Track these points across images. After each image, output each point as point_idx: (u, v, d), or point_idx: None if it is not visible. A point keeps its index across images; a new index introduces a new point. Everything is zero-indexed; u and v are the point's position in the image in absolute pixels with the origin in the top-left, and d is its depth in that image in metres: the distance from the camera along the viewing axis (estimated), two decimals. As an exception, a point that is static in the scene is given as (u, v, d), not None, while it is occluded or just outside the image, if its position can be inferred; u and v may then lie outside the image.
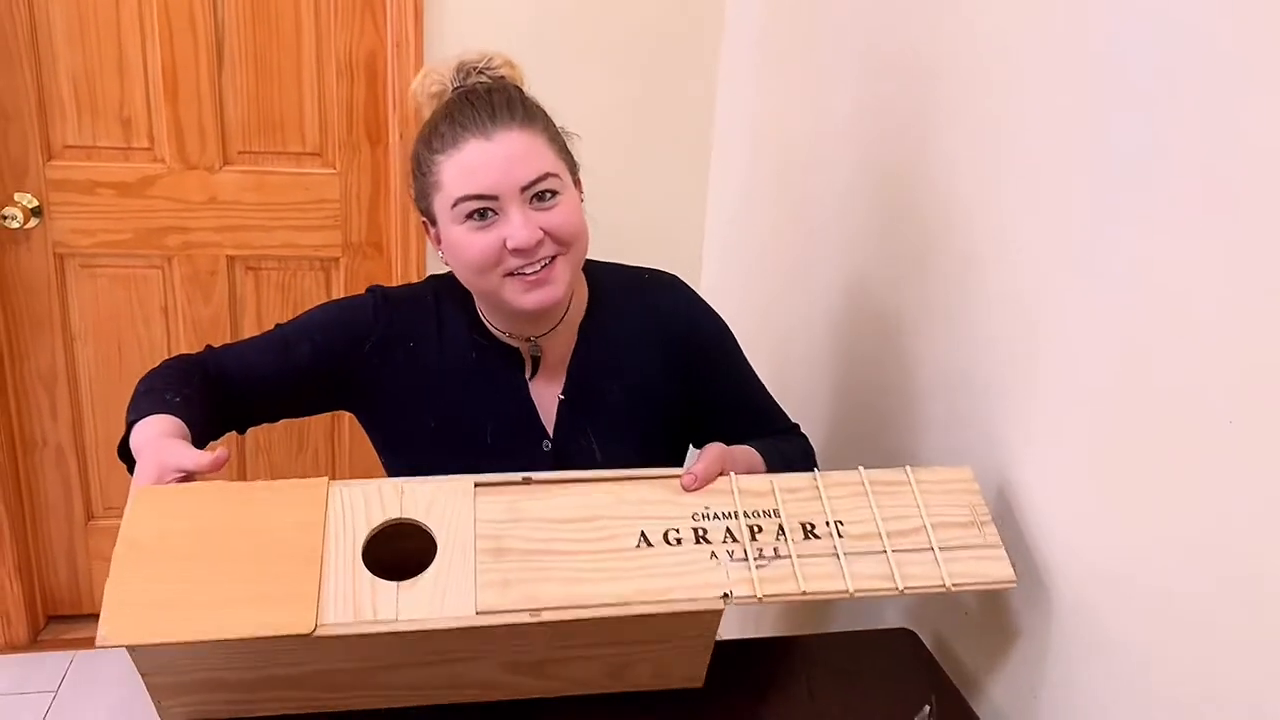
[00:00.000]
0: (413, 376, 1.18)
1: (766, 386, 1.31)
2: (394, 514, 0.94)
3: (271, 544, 0.90)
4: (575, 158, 1.14)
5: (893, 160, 1.36)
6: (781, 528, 0.99)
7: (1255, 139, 0.76)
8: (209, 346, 1.20)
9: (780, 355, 1.74)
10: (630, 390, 1.21)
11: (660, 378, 1.22)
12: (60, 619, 2.37)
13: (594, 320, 1.22)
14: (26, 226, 2.03)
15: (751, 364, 1.30)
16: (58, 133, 2.02)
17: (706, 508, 0.99)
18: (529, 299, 1.08)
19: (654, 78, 2.13)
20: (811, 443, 1.32)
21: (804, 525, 0.99)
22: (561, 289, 1.09)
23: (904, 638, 1.21)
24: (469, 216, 1.06)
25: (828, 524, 1.00)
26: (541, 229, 1.05)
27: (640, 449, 1.22)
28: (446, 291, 1.20)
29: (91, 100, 2.00)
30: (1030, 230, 1.05)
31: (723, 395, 1.26)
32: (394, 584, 0.89)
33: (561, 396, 1.20)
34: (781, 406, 1.32)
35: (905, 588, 0.96)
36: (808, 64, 1.68)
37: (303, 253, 2.18)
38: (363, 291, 1.22)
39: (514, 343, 1.19)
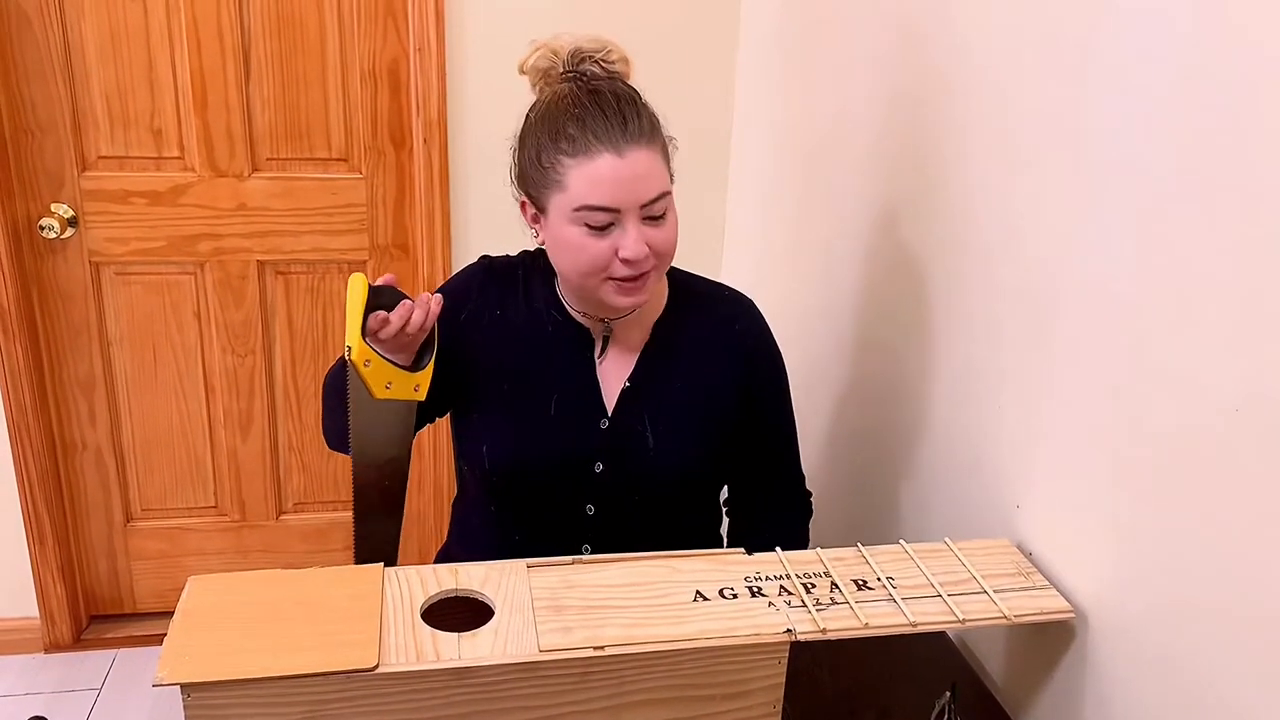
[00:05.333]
0: (494, 341, 1.26)
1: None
2: (449, 587, 0.96)
3: (329, 610, 0.92)
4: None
5: (908, 155, 1.37)
6: (835, 583, 1.00)
7: (1260, 131, 0.77)
8: None
9: (801, 346, 1.75)
10: (693, 390, 1.27)
11: (722, 386, 1.27)
12: (102, 618, 2.42)
13: (670, 319, 1.28)
14: (63, 236, 2.08)
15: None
16: (91, 144, 2.07)
17: (758, 573, 1.02)
18: (624, 301, 1.17)
19: (673, 78, 2.14)
20: (805, 448, 1.39)
21: (856, 581, 1.01)
22: (649, 295, 1.19)
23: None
24: (587, 223, 1.12)
25: (879, 579, 1.02)
26: (649, 245, 1.12)
27: (693, 448, 1.26)
28: (534, 267, 1.29)
29: (123, 112, 2.05)
30: (1041, 225, 1.06)
31: (765, 426, 1.32)
32: (454, 634, 0.90)
33: (628, 383, 1.26)
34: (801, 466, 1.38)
35: (966, 620, 0.96)
36: (822, 61, 1.69)
37: (331, 256, 2.22)
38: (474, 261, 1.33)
39: (586, 322, 1.26)
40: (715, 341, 1.28)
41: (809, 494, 1.39)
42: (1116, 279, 0.94)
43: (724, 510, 1.41)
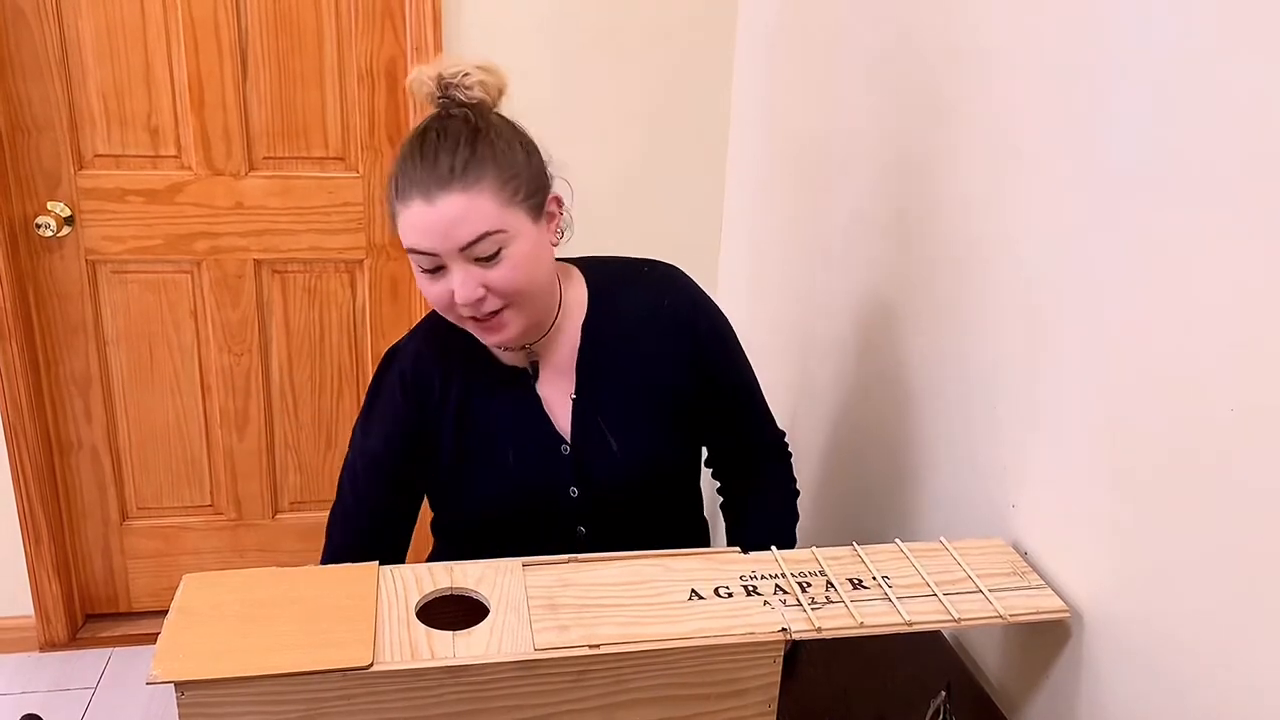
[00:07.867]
0: (454, 410, 1.23)
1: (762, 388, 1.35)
2: (444, 585, 0.96)
3: (324, 608, 0.91)
4: (547, 182, 1.14)
5: (905, 157, 1.37)
6: (830, 582, 1.00)
7: (1254, 135, 0.77)
8: (351, 529, 1.31)
9: (798, 347, 1.75)
10: (639, 381, 1.24)
11: (668, 366, 1.25)
12: (97, 617, 2.42)
13: (595, 318, 1.25)
14: (60, 235, 2.08)
15: (756, 360, 1.33)
16: (88, 142, 2.07)
17: (753, 572, 1.01)
18: (491, 339, 1.16)
19: (670, 80, 2.15)
20: (800, 449, 1.36)
21: (851, 580, 1.01)
22: (513, 331, 1.14)
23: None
24: (419, 266, 1.11)
25: (874, 578, 1.01)
26: (484, 285, 1.09)
27: (655, 439, 1.25)
28: (448, 325, 1.22)
29: (120, 110, 2.05)
30: (1035, 228, 1.06)
31: (724, 387, 1.29)
32: (449, 633, 0.90)
33: (573, 397, 1.24)
34: (772, 412, 1.37)
35: (961, 619, 0.96)
36: (820, 63, 1.69)
37: (328, 255, 2.22)
38: (380, 362, 1.27)
39: (512, 359, 1.23)
40: (649, 326, 1.24)
41: (783, 434, 1.39)
42: (1112, 278, 0.94)
43: (709, 471, 1.40)
